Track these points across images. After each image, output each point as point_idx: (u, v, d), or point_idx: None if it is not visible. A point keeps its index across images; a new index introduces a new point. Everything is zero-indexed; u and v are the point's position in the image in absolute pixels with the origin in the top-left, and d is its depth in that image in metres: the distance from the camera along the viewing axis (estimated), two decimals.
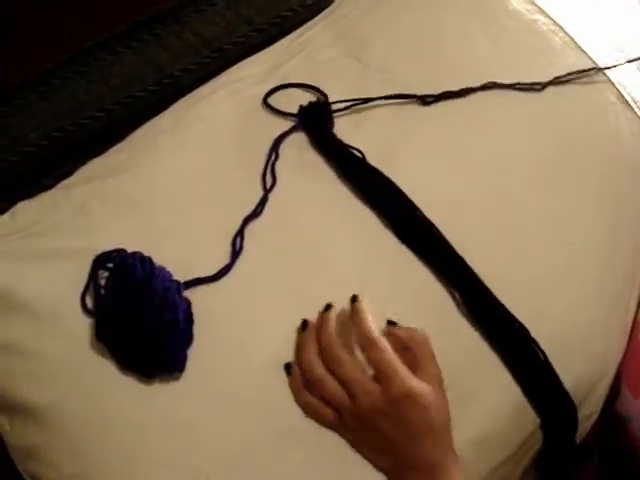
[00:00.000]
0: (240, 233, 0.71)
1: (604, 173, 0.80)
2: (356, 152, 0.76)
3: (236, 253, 0.70)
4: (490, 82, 0.82)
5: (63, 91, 0.86)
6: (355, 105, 0.80)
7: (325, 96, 0.80)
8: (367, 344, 0.63)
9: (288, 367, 0.65)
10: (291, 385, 0.65)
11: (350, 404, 0.61)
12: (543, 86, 0.83)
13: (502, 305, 0.70)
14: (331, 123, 0.79)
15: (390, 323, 0.66)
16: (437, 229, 0.73)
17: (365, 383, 0.62)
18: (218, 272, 0.69)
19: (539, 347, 0.69)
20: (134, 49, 0.92)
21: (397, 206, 0.74)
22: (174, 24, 0.95)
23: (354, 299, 0.66)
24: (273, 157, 0.76)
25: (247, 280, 0.69)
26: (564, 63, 0.86)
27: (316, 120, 0.79)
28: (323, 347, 0.64)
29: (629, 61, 0.86)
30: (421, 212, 0.73)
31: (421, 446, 0.60)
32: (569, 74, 0.84)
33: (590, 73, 0.85)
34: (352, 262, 0.72)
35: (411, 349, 0.64)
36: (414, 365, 0.62)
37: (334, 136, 0.78)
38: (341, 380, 0.63)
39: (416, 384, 0.61)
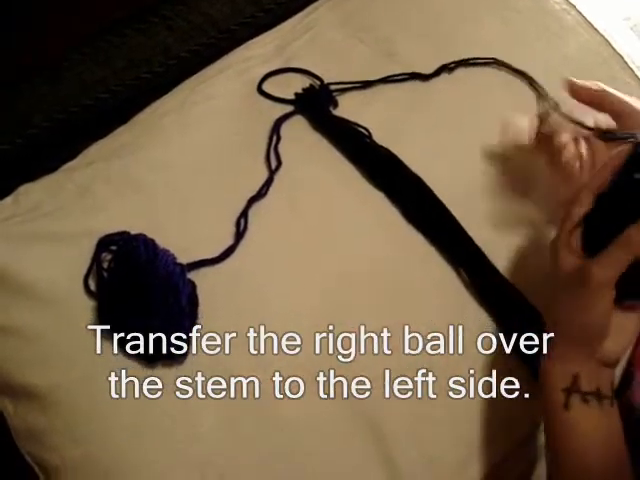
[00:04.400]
0: (244, 214, 0.70)
1: None
2: (362, 130, 0.75)
3: (240, 234, 0.69)
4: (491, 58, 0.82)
5: (68, 73, 0.85)
6: (355, 88, 0.79)
7: (321, 80, 0.79)
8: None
9: None
10: None
11: None
12: None
13: (512, 285, 0.69)
14: (334, 104, 0.78)
15: None
16: (445, 207, 0.72)
17: None
18: (222, 253, 0.68)
19: None
20: (140, 31, 0.91)
21: (404, 184, 0.73)
22: (181, 5, 0.94)
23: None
24: (275, 139, 0.75)
25: (251, 261, 0.69)
26: (576, 42, 0.84)
27: (314, 104, 0.78)
28: None
29: None
30: (429, 190, 0.72)
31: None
32: None
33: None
34: (358, 242, 0.71)
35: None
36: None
37: (336, 117, 0.77)
38: None
39: None
